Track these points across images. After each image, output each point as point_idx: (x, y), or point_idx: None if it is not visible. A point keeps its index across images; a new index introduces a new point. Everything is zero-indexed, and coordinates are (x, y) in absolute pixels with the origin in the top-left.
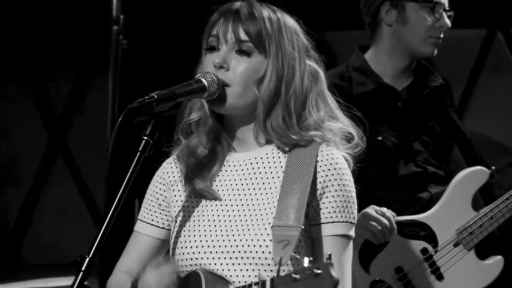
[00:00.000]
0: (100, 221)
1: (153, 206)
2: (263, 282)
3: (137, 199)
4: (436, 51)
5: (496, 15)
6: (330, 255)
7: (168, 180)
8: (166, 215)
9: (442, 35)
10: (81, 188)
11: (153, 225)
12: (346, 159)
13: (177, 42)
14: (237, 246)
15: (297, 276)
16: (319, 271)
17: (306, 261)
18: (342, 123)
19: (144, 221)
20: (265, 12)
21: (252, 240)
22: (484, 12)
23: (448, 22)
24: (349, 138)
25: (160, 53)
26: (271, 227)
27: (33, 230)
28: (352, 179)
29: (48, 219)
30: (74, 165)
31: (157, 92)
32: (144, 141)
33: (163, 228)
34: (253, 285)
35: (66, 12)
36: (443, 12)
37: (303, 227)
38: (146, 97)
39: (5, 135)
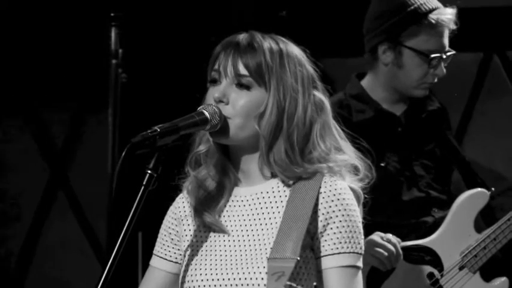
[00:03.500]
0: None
1: (166, 240)
2: None
3: (140, 232)
4: (427, 92)
5: (492, 39)
6: (315, 286)
7: (179, 214)
8: (179, 249)
9: (436, 80)
10: (82, 223)
11: (167, 259)
12: (353, 190)
13: (176, 75)
14: (239, 279)
15: None
16: None
17: None
18: (348, 155)
19: (158, 256)
20: (266, 43)
21: (250, 273)
22: (479, 36)
23: (444, 70)
24: (356, 170)
25: (160, 87)
26: (268, 259)
27: (35, 266)
28: (357, 209)
29: (50, 255)
30: (75, 200)
31: (160, 126)
32: (148, 175)
33: (177, 262)
34: None
35: (64, 46)
36: (441, 60)
37: (298, 258)
38: (149, 131)
39: (5, 170)
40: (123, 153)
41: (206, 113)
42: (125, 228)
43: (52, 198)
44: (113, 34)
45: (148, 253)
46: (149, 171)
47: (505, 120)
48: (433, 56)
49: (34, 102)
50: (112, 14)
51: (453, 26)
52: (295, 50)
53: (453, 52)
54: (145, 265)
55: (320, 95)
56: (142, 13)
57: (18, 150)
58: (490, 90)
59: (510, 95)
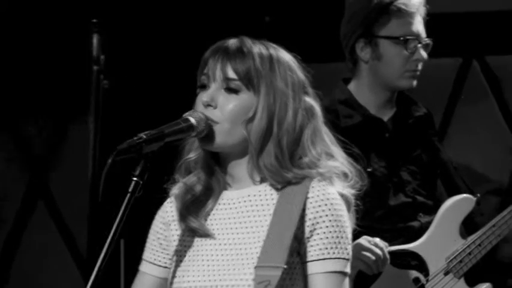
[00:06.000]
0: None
1: (155, 245)
2: None
3: (123, 240)
4: (415, 83)
5: (470, 44)
6: None
7: (167, 219)
8: (167, 253)
9: (419, 67)
10: (62, 231)
11: (156, 264)
12: (342, 196)
13: (159, 81)
14: (226, 285)
15: None
16: None
17: None
18: (339, 161)
19: (147, 261)
20: (256, 48)
21: (237, 279)
22: (459, 41)
23: (424, 54)
24: (346, 176)
25: (142, 93)
26: (254, 267)
27: (15, 274)
28: (346, 214)
29: (30, 263)
30: (55, 208)
31: (146, 133)
32: (133, 182)
33: (166, 267)
34: None
35: (45, 52)
36: (419, 45)
37: (285, 266)
38: (135, 138)
39: None
40: (109, 160)
41: (192, 120)
42: (110, 236)
43: (32, 206)
44: (94, 40)
45: (130, 260)
46: (135, 179)
47: (483, 125)
48: (407, 38)
49: (14, 108)
50: (93, 20)
51: (423, 12)
52: (285, 56)
53: (429, 40)
54: (128, 272)
55: (311, 100)
56: (124, 19)
57: None
58: (469, 95)
59: (489, 99)
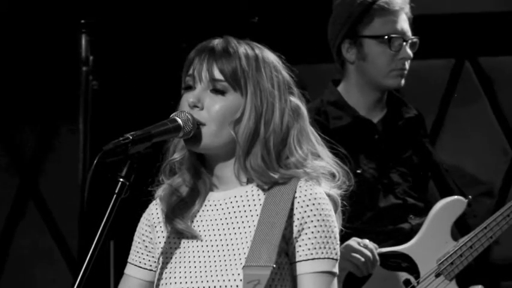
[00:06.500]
0: (74, 266)
1: (140, 248)
2: None
3: (112, 241)
4: (403, 82)
5: (463, 45)
6: None
7: (152, 221)
8: (153, 256)
9: (406, 66)
10: (53, 233)
11: (141, 267)
12: (330, 196)
13: (148, 81)
14: (214, 286)
15: None
16: None
17: None
18: (325, 161)
19: (132, 264)
20: (242, 49)
21: (225, 280)
22: (451, 42)
23: (409, 52)
24: (333, 176)
25: (131, 94)
26: (243, 267)
27: (6, 277)
28: (333, 214)
29: (21, 266)
30: (46, 210)
31: (132, 133)
32: (120, 183)
33: (151, 270)
34: None
35: (34, 53)
36: (404, 43)
37: (274, 265)
38: (121, 138)
39: None
40: (95, 162)
41: (179, 120)
42: (97, 238)
43: (22, 208)
44: (83, 41)
45: (120, 262)
46: (121, 180)
47: (476, 126)
48: (391, 36)
49: (3, 111)
50: (82, 21)
51: (408, 10)
52: (270, 56)
53: (416, 38)
54: (118, 274)
55: (296, 100)
56: (113, 19)
57: None
58: (461, 96)
59: (482, 101)
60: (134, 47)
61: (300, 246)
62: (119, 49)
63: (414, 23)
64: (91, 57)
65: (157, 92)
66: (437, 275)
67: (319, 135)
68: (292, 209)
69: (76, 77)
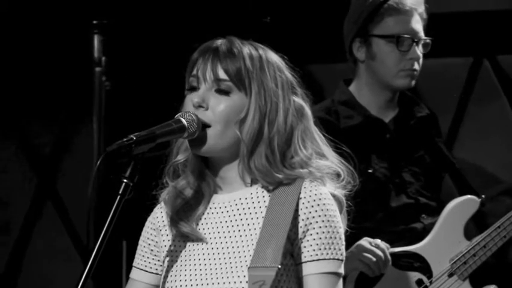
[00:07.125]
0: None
1: (146, 251)
2: None
3: (125, 241)
4: (413, 82)
5: (481, 43)
6: None
7: (157, 225)
8: (159, 260)
9: (416, 66)
10: (70, 232)
11: (147, 271)
12: (334, 196)
13: (160, 81)
14: None
15: None
16: None
17: None
18: (330, 160)
19: (138, 268)
20: (246, 49)
21: (230, 282)
22: (469, 40)
23: (418, 53)
24: (338, 176)
25: (144, 94)
26: (248, 268)
27: (23, 275)
28: (338, 215)
29: (39, 264)
30: (64, 209)
31: (136, 134)
32: (124, 184)
33: (157, 273)
34: None
35: (47, 54)
36: (414, 44)
37: (279, 266)
38: (125, 139)
39: None
40: (98, 162)
41: (183, 121)
42: (100, 238)
43: (40, 207)
44: (95, 42)
45: (132, 262)
46: (125, 180)
47: (495, 125)
48: (400, 36)
49: (18, 112)
50: (94, 22)
51: (421, 10)
52: (273, 56)
53: (428, 39)
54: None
55: (300, 100)
56: (126, 20)
57: (5, 160)
58: (480, 95)
59: (500, 99)
60: (146, 48)
61: (305, 247)
62: (132, 50)
63: (432, 21)
64: (104, 58)
65: (169, 92)
66: (450, 275)
67: (323, 135)
68: (297, 210)
69: (89, 78)
